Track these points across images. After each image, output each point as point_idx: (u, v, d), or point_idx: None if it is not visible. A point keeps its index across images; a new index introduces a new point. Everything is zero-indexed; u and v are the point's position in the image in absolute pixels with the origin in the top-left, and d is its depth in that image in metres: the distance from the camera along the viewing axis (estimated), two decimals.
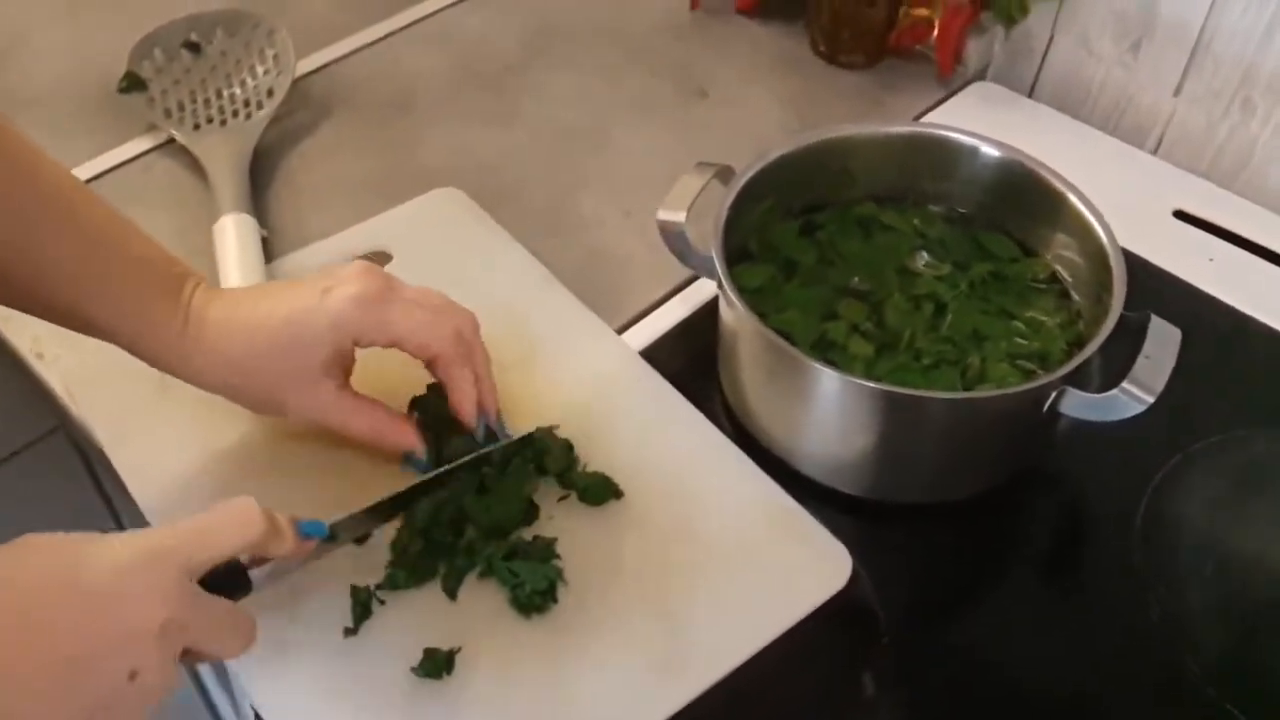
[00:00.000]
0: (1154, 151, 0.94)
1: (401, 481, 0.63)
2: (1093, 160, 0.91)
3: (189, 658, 0.50)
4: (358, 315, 0.60)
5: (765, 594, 0.62)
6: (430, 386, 0.67)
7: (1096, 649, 0.63)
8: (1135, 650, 0.63)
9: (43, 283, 0.58)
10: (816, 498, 0.67)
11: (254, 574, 0.55)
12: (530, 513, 0.64)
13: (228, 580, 0.53)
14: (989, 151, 0.73)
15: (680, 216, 0.69)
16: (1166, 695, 0.61)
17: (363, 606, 0.60)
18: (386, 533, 0.63)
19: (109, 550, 0.47)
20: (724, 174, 0.72)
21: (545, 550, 0.62)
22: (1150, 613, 0.64)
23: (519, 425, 0.68)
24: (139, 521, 0.64)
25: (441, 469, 0.63)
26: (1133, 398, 0.60)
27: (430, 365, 0.64)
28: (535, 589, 0.60)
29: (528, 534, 0.63)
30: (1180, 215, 0.87)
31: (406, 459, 0.66)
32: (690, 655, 0.59)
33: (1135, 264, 0.82)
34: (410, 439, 0.64)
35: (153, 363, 0.61)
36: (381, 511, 0.62)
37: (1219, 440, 0.72)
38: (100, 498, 0.68)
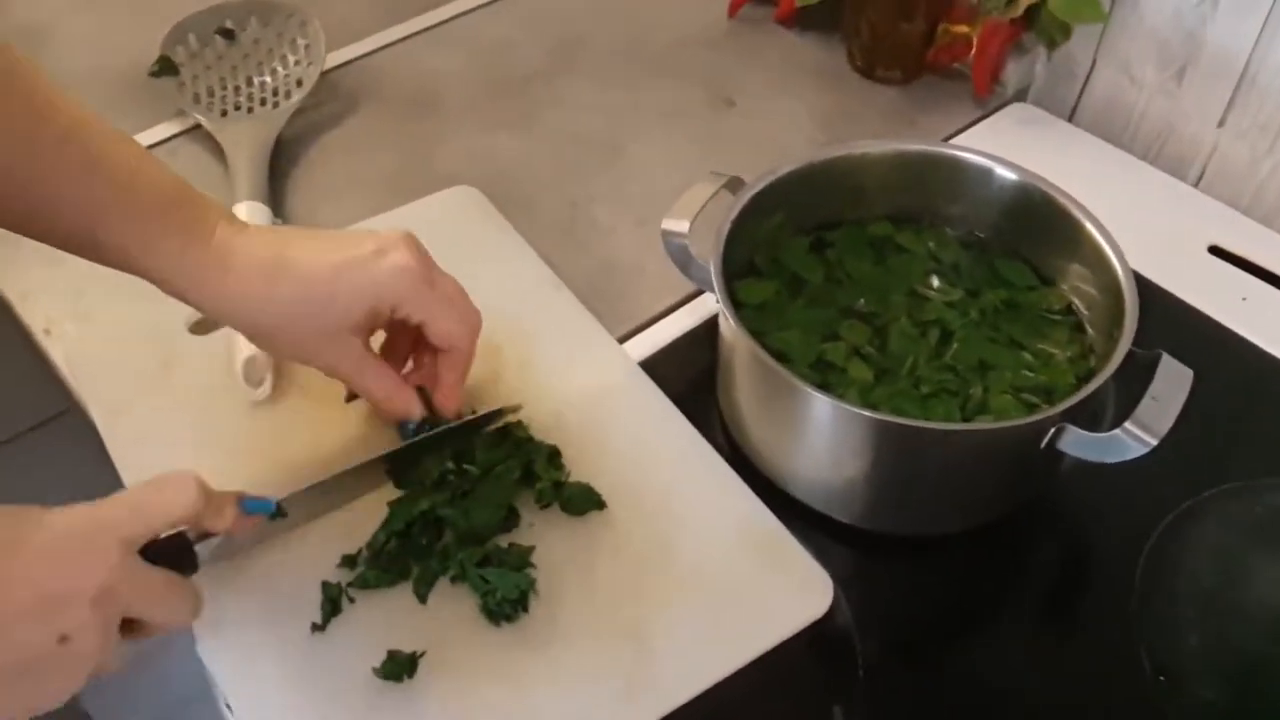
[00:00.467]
0: (1195, 184, 0.90)
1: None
2: (1130, 190, 0.88)
3: (135, 632, 0.51)
4: (405, 287, 0.59)
5: (741, 617, 0.60)
6: None
7: (1083, 700, 0.60)
8: (1124, 705, 0.60)
9: (65, 217, 0.57)
10: (807, 523, 0.66)
11: (200, 549, 0.55)
12: (510, 519, 0.63)
13: (174, 554, 0.53)
14: (1005, 174, 0.70)
15: (684, 226, 0.68)
16: None
17: (333, 603, 0.60)
18: (364, 531, 0.63)
19: (48, 519, 0.48)
20: (733, 185, 0.70)
21: (520, 558, 0.61)
22: (1142, 666, 0.61)
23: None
24: None
25: (406, 443, 0.64)
26: (1135, 439, 0.57)
27: (437, 354, 0.63)
28: (506, 597, 0.60)
29: (504, 540, 0.63)
30: (1215, 251, 0.84)
31: (402, 426, 0.66)
32: (658, 675, 0.58)
33: (1163, 299, 0.79)
34: (416, 408, 0.63)
35: (181, 297, 0.59)
36: (334, 489, 0.62)
37: (1234, 488, 0.69)
38: (114, 477, 0.69)
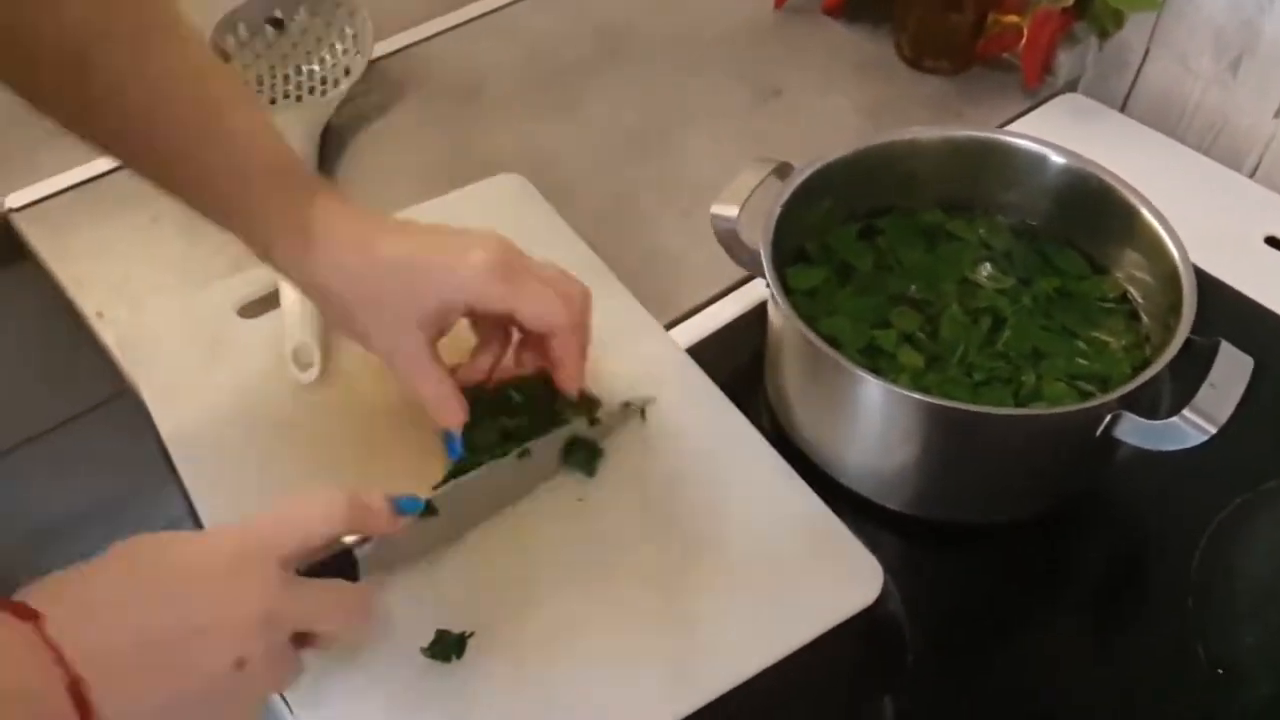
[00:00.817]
0: (1250, 175, 0.89)
1: (446, 462, 0.63)
2: (1184, 181, 0.87)
3: (309, 644, 0.52)
4: (481, 284, 0.58)
5: (789, 604, 0.60)
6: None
7: (1137, 696, 0.59)
8: (1180, 701, 0.59)
9: (178, 163, 0.58)
10: (856, 511, 0.65)
11: (358, 553, 0.55)
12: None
13: (334, 566, 0.54)
14: (1058, 161, 0.69)
15: (733, 211, 0.67)
16: None
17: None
18: None
19: (205, 545, 0.49)
20: (782, 170, 0.70)
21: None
22: (1199, 662, 0.60)
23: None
24: None
25: (515, 449, 0.63)
26: (1194, 427, 0.56)
27: (542, 340, 0.62)
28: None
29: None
30: (1272, 242, 0.83)
31: (448, 437, 0.65)
32: (705, 661, 0.58)
33: (1218, 290, 0.78)
34: (458, 419, 0.62)
35: (268, 258, 0.60)
36: (480, 487, 0.62)
37: None
38: (165, 461, 0.69)
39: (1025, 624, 0.63)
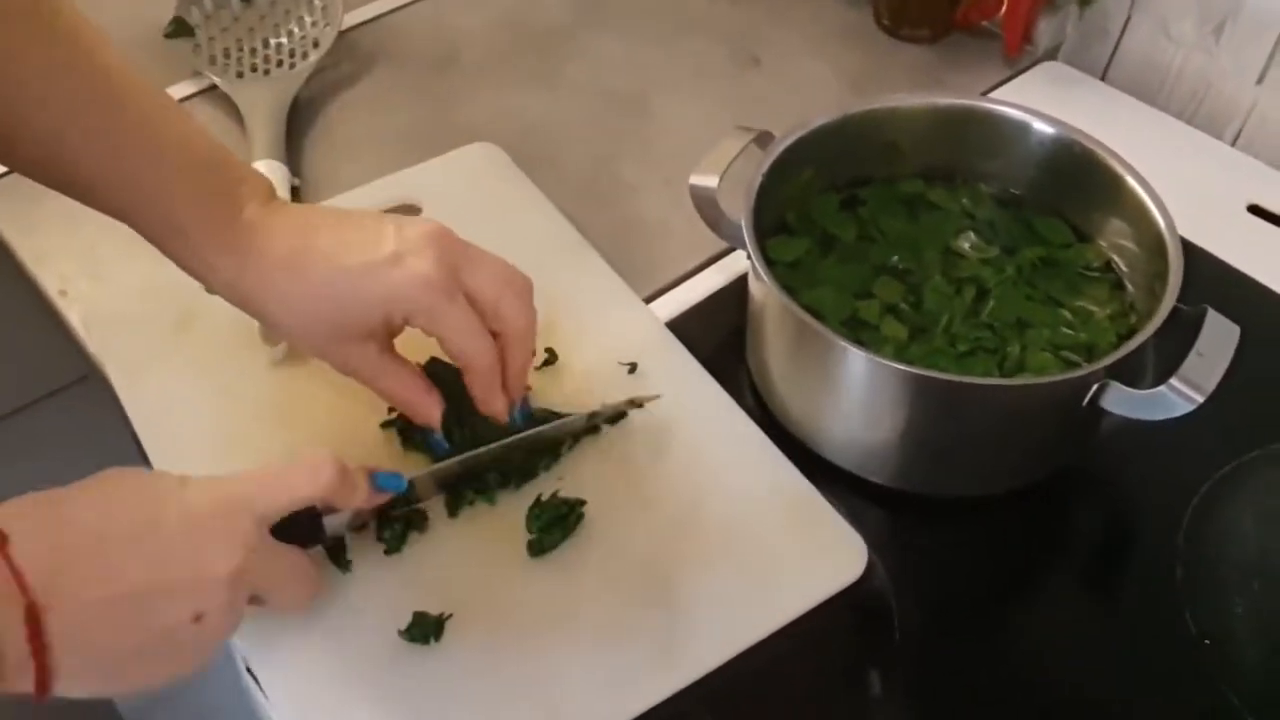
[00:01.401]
0: (1233, 143, 0.88)
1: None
2: (1166, 149, 0.86)
3: (255, 603, 0.52)
4: (412, 303, 0.55)
5: (773, 582, 0.59)
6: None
7: (1126, 667, 0.59)
8: (1169, 671, 0.58)
9: (85, 175, 0.54)
10: (840, 486, 0.64)
11: (327, 521, 0.54)
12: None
13: (300, 528, 0.53)
14: (1042, 128, 0.68)
15: (713, 181, 0.66)
16: None
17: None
18: None
19: (187, 495, 0.48)
20: (763, 139, 0.69)
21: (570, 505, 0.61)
22: (1188, 632, 0.59)
23: (537, 390, 0.66)
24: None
25: (482, 449, 0.61)
26: (1181, 396, 0.55)
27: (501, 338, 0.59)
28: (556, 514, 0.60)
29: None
30: (1255, 210, 0.82)
31: (430, 433, 0.63)
32: (687, 641, 0.57)
33: (1202, 259, 0.78)
34: (434, 415, 0.60)
35: (201, 280, 0.57)
36: (457, 471, 0.61)
37: (1278, 450, 0.67)
38: (134, 443, 0.67)
39: (1013, 598, 0.63)
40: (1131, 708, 0.57)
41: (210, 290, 0.58)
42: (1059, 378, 0.58)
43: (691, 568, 0.59)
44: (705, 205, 0.66)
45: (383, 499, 0.57)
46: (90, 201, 0.55)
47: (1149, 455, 0.67)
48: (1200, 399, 0.55)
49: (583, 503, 0.61)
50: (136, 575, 0.45)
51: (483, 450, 0.60)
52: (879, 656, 0.59)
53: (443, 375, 0.62)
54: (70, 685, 0.44)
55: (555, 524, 0.60)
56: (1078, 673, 0.59)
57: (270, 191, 0.58)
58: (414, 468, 0.61)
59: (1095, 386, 0.57)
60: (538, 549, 0.59)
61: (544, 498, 0.61)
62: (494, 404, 0.59)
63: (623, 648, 0.56)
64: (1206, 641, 0.59)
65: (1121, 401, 0.57)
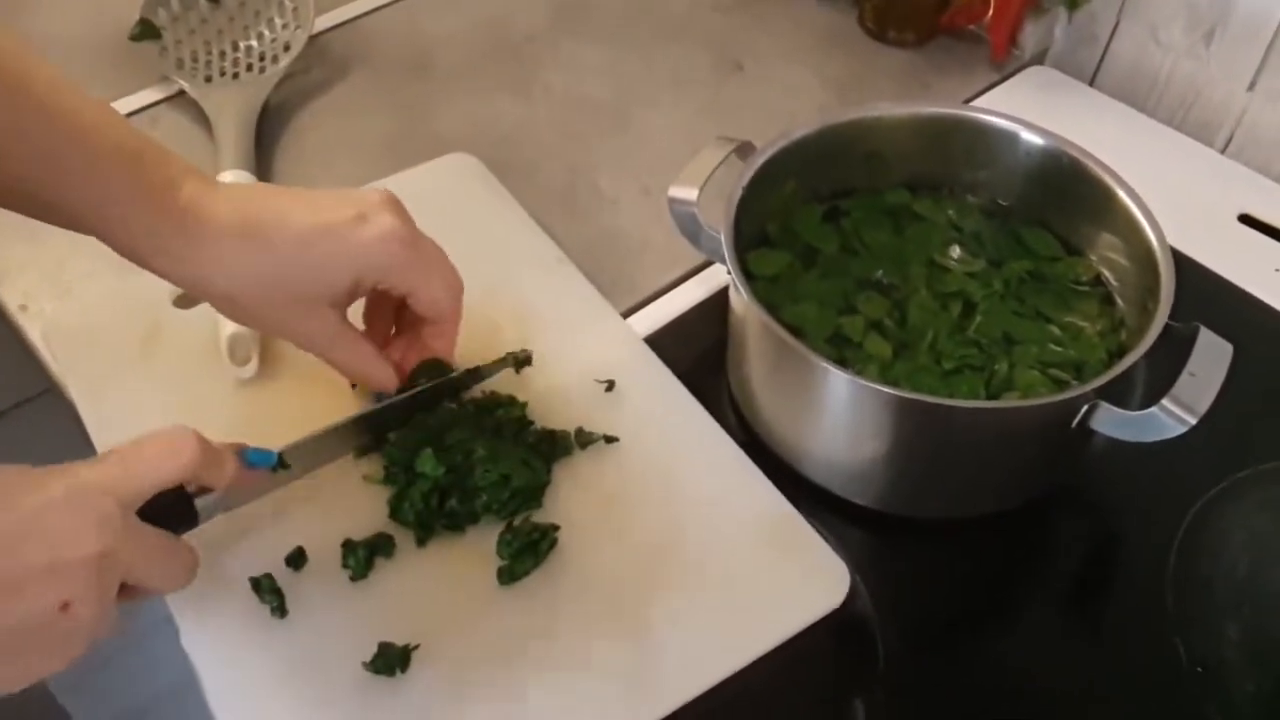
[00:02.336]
0: (1223, 150, 0.87)
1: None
2: (1155, 156, 0.85)
3: (129, 595, 0.49)
4: (388, 258, 0.55)
5: (753, 609, 0.57)
6: None
7: (1115, 695, 0.57)
8: (1159, 700, 0.57)
9: (9, 170, 0.52)
10: (823, 507, 0.63)
11: (200, 503, 0.52)
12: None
13: (172, 511, 0.50)
14: (1030, 138, 0.67)
15: (692, 194, 0.64)
16: None
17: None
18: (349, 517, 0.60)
19: (45, 480, 0.45)
20: (744, 150, 0.67)
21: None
22: (1179, 659, 0.58)
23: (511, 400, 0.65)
24: None
25: (395, 397, 0.61)
26: (1173, 417, 0.54)
27: (426, 320, 0.60)
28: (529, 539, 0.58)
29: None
30: (1246, 220, 0.80)
31: (378, 398, 0.62)
32: (664, 670, 0.55)
33: (1192, 270, 0.76)
34: (392, 381, 0.60)
35: (146, 264, 0.55)
36: (334, 439, 0.60)
37: (1271, 468, 0.65)
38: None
39: (999, 622, 0.61)
40: None
41: (163, 276, 0.55)
42: (1046, 400, 0.56)
43: (668, 595, 0.57)
44: (684, 219, 0.64)
45: (255, 476, 0.55)
46: (21, 203, 0.53)
47: (1140, 474, 0.65)
48: (1193, 420, 0.53)
49: (556, 528, 0.59)
50: None
51: (403, 396, 0.61)
52: (862, 682, 0.58)
53: None
54: None
55: (526, 550, 0.58)
56: (1064, 699, 0.57)
57: (207, 177, 0.56)
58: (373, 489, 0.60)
59: (1085, 408, 0.55)
60: (508, 576, 0.57)
61: (515, 523, 0.59)
62: (449, 350, 0.61)
63: (596, 679, 0.55)
64: (1199, 670, 0.57)
65: (1112, 423, 0.56)
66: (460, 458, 0.59)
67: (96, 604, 0.45)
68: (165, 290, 0.70)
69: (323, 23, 0.93)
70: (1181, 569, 0.61)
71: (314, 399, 0.64)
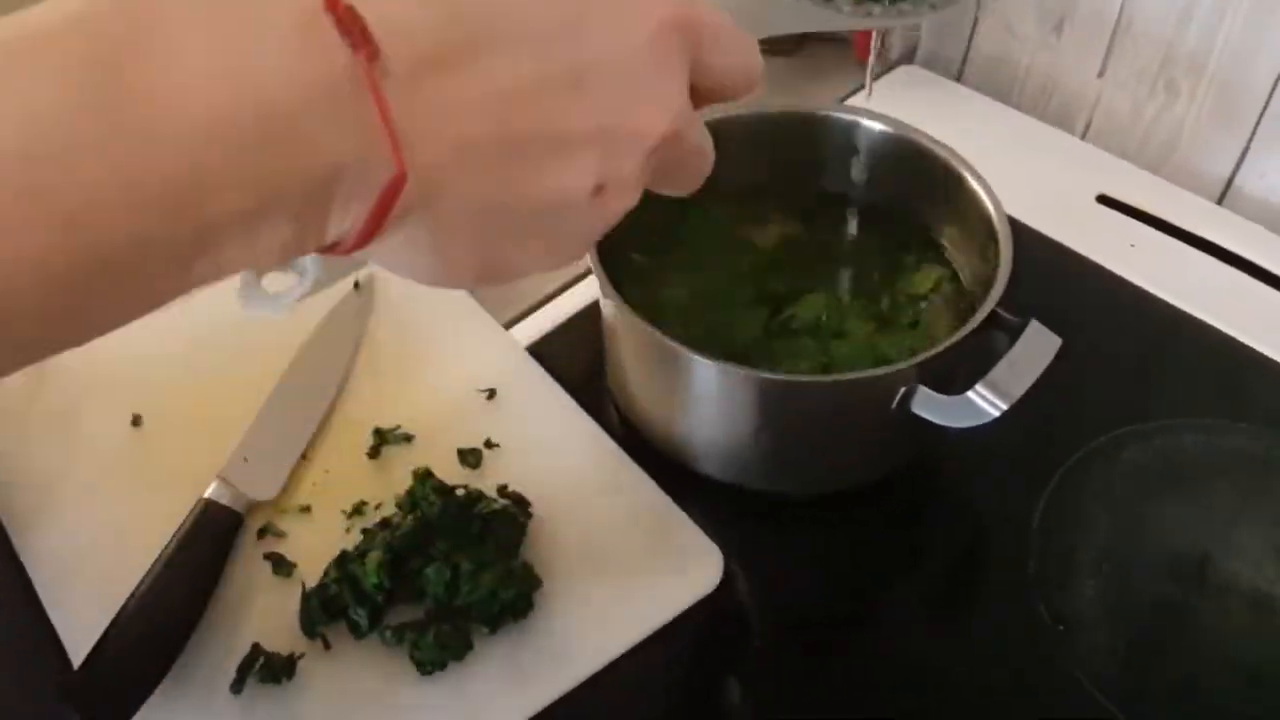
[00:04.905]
0: (1083, 136, 0.91)
1: None
2: (1018, 146, 0.88)
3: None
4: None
5: (631, 598, 0.59)
6: None
7: (984, 660, 0.59)
8: (1024, 659, 0.59)
9: None
10: (706, 493, 0.64)
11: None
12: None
13: None
14: (870, 125, 0.69)
15: None
16: (1059, 710, 0.57)
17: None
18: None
19: None
20: None
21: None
22: (1040, 620, 0.60)
23: (402, 424, 0.66)
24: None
25: None
26: (987, 402, 0.55)
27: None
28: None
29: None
30: (1104, 200, 0.84)
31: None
32: (546, 661, 0.57)
33: (1054, 250, 0.79)
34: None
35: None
36: None
37: (1127, 433, 0.68)
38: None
39: (871, 597, 0.63)
40: (990, 700, 0.58)
41: None
42: (858, 376, 0.58)
43: (548, 589, 0.59)
44: None
45: None
46: None
47: (1002, 447, 0.67)
48: (1004, 407, 0.55)
49: None
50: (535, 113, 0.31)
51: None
52: (740, 665, 0.60)
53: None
54: (413, 253, 0.33)
55: None
56: (936, 669, 0.59)
57: None
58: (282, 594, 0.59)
59: (903, 389, 0.57)
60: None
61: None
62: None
63: (475, 673, 0.56)
64: (1060, 627, 0.60)
65: (928, 406, 0.57)
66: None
67: (628, 195, 0.35)
68: None
69: None
70: (1044, 533, 0.64)
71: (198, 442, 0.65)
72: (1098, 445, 0.68)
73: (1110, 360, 0.73)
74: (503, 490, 0.63)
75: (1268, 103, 0.79)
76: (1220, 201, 0.84)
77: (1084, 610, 0.61)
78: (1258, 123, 0.80)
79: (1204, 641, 0.59)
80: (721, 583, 0.60)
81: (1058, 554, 0.63)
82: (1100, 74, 0.87)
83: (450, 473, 0.63)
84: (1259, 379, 0.72)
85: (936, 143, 0.67)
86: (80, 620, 0.57)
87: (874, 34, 0.82)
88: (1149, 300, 0.76)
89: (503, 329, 0.73)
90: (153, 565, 0.57)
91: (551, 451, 0.65)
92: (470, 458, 0.65)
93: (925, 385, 0.57)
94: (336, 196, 0.29)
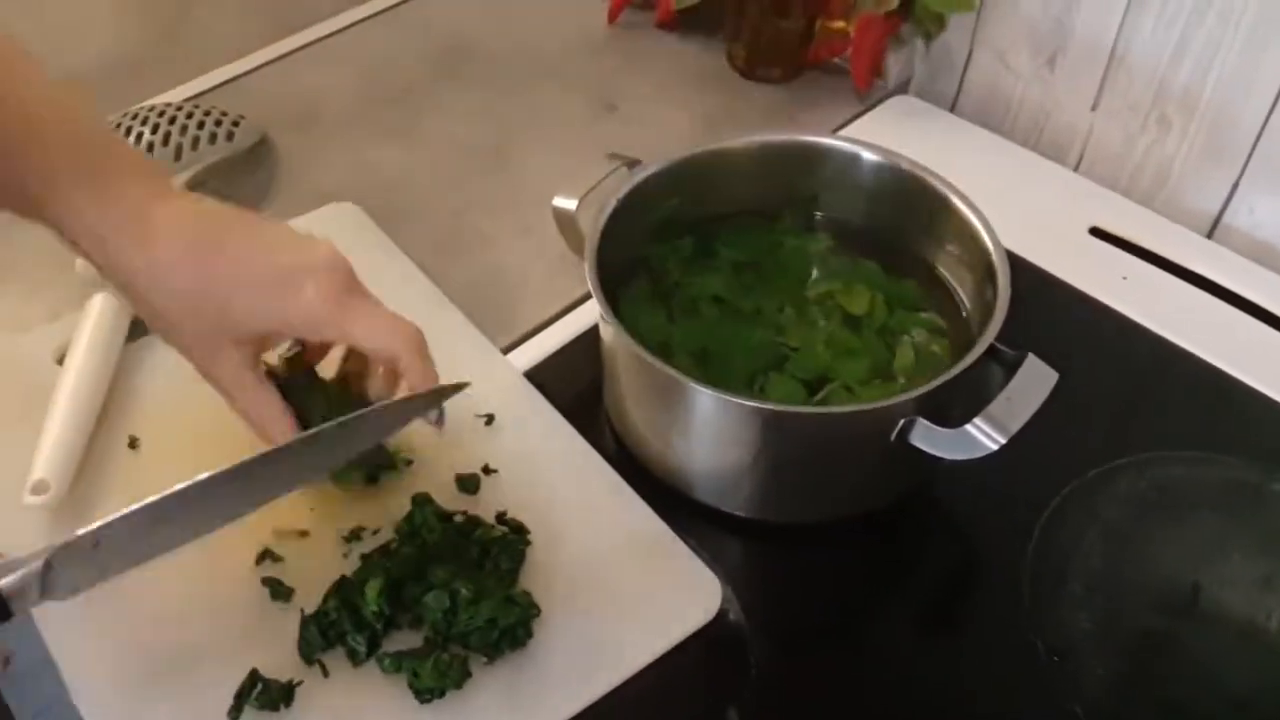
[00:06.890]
0: (1075, 168, 0.92)
1: None
2: (1012, 176, 0.89)
3: None
4: (316, 318, 0.54)
5: (627, 627, 0.59)
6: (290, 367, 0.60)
7: (979, 690, 0.60)
8: (1020, 691, 0.60)
9: None
10: (702, 520, 0.65)
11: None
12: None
13: None
14: (871, 158, 0.70)
15: (572, 204, 0.67)
16: None
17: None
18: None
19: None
20: (632, 165, 0.70)
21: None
22: (1036, 652, 0.60)
23: (400, 448, 0.66)
24: None
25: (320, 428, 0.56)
26: (985, 436, 0.56)
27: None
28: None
29: None
30: (1096, 232, 0.85)
31: None
32: (542, 691, 0.57)
33: (1046, 282, 0.80)
34: (285, 437, 0.56)
35: (86, 255, 0.53)
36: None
37: (1121, 464, 0.69)
38: None
39: (867, 625, 0.64)
40: None
41: (99, 268, 0.54)
42: (862, 407, 0.59)
43: (546, 617, 0.59)
44: (565, 225, 0.67)
45: None
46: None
47: (998, 478, 0.67)
48: (1002, 440, 0.56)
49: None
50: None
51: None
52: (737, 692, 0.60)
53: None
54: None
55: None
56: (933, 698, 0.60)
57: (168, 183, 0.56)
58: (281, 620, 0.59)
59: (902, 421, 0.58)
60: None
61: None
62: (430, 379, 0.57)
63: (473, 702, 0.56)
64: (1055, 658, 0.60)
65: (927, 438, 0.58)
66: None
67: None
68: (49, 350, 0.71)
69: (209, 80, 0.95)
70: (1038, 564, 0.64)
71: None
72: (1090, 478, 0.68)
73: (1102, 391, 0.74)
74: (501, 517, 0.63)
75: (1258, 140, 0.80)
76: (1210, 235, 0.85)
77: (1078, 641, 0.61)
78: (1248, 159, 0.81)
79: (1195, 670, 0.60)
80: (719, 611, 0.60)
81: (1052, 584, 0.63)
82: (1093, 107, 0.88)
83: (448, 498, 0.64)
84: (1247, 411, 0.73)
85: (935, 175, 0.68)
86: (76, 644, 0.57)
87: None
88: (1140, 332, 0.77)
89: (501, 354, 0.74)
90: None
91: (549, 478, 0.66)
92: (469, 483, 0.65)
93: (924, 418, 0.57)
94: None
